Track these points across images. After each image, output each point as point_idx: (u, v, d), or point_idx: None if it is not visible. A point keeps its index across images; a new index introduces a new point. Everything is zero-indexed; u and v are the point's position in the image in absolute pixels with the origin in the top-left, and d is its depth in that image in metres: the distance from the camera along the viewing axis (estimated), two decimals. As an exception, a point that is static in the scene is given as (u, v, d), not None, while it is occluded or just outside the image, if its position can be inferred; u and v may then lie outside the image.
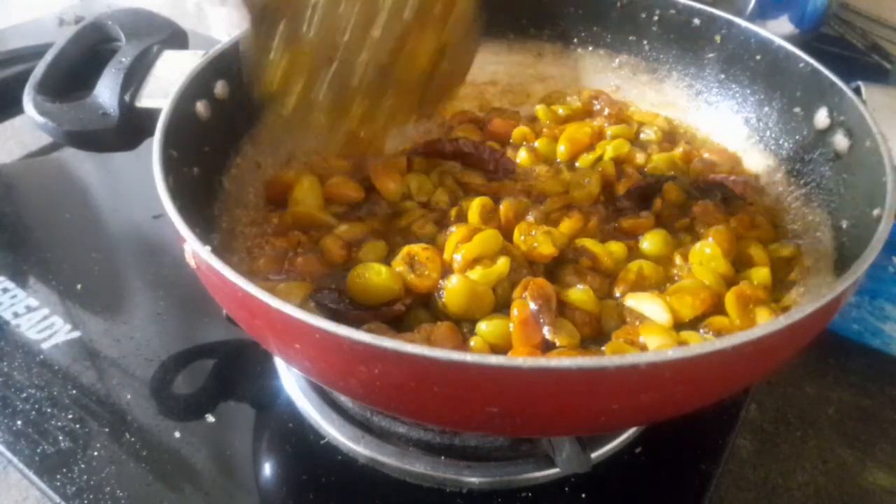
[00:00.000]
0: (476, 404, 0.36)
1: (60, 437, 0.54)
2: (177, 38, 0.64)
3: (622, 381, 0.34)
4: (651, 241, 0.56)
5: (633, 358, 0.32)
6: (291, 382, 0.58)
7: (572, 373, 0.32)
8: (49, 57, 0.61)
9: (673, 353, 0.33)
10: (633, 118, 0.71)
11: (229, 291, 0.38)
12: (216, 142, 0.57)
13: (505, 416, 0.36)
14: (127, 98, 0.57)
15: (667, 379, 0.34)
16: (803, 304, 0.37)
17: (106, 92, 0.57)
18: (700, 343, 0.33)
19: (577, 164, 0.66)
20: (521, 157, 0.66)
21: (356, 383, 0.38)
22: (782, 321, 0.35)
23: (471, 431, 0.51)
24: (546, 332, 0.46)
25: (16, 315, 0.65)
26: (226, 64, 0.56)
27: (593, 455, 0.51)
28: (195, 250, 0.40)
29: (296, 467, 0.53)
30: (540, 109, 0.72)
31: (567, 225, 0.55)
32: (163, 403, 0.58)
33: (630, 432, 0.55)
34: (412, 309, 0.50)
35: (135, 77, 0.58)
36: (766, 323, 0.35)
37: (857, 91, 0.55)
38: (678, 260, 0.55)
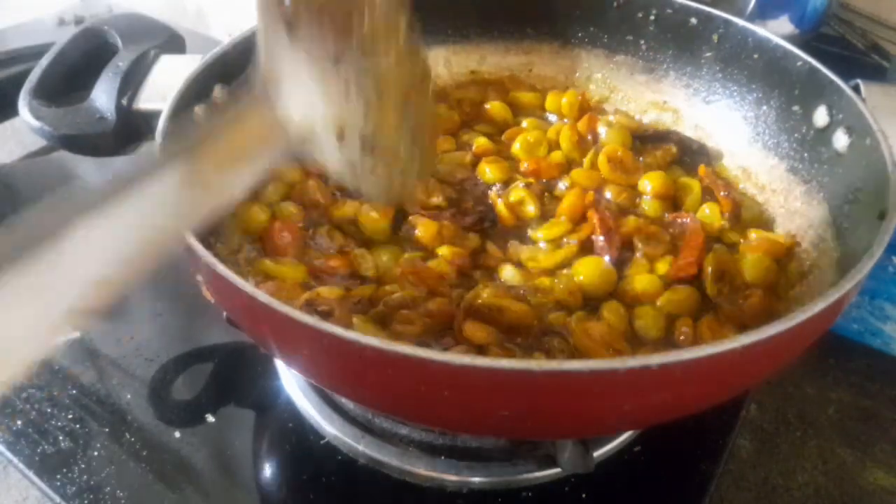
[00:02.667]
0: (487, 408, 0.36)
1: (60, 437, 0.54)
2: (174, 43, 0.64)
3: (634, 383, 0.34)
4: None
5: (644, 359, 0.32)
6: (291, 382, 0.58)
7: (584, 375, 0.33)
8: (45, 62, 0.61)
9: (684, 353, 0.33)
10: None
11: (234, 297, 0.38)
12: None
13: (515, 419, 0.36)
14: (124, 102, 0.57)
15: (678, 378, 0.34)
16: (806, 302, 0.37)
17: (103, 96, 0.57)
18: (710, 343, 0.33)
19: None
20: (516, 148, 0.66)
21: (365, 388, 0.38)
22: (792, 320, 0.35)
23: (480, 435, 0.51)
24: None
25: (16, 315, 0.65)
26: (224, 68, 0.56)
27: (594, 455, 0.51)
28: (200, 256, 0.39)
29: (296, 467, 0.53)
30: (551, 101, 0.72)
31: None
32: (163, 403, 0.58)
33: (631, 432, 0.55)
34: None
35: (132, 81, 0.58)
36: (776, 322, 0.35)
37: (856, 89, 0.55)
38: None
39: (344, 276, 0.53)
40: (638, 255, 0.56)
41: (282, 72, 0.39)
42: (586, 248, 0.56)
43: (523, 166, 0.63)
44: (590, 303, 0.52)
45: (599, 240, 0.55)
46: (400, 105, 0.42)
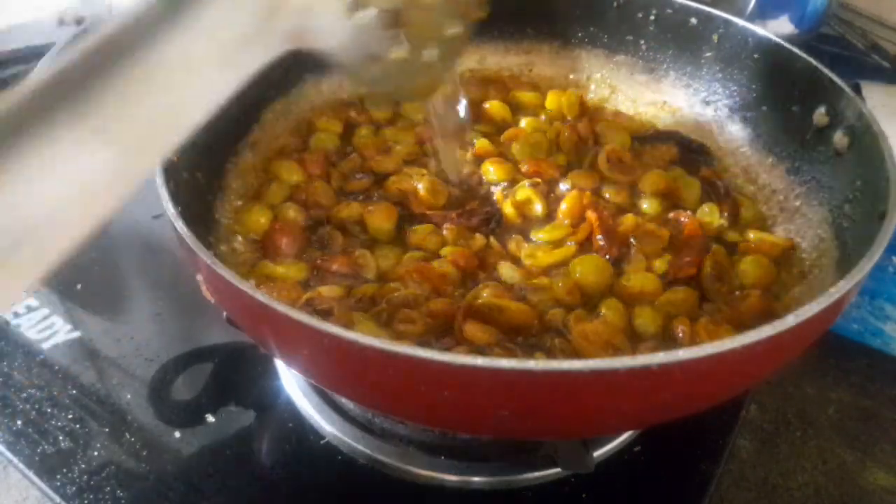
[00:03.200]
0: (487, 408, 0.36)
1: (60, 437, 0.54)
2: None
3: (634, 383, 0.34)
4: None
5: (644, 359, 0.32)
6: (291, 382, 0.58)
7: (584, 375, 0.33)
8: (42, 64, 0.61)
9: (684, 353, 0.33)
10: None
11: (234, 297, 0.38)
12: (216, 146, 0.57)
13: (515, 419, 0.36)
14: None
15: (678, 378, 0.34)
16: (805, 302, 0.36)
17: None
18: (711, 343, 0.33)
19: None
20: (517, 149, 0.66)
21: (365, 388, 0.38)
22: (792, 320, 0.35)
23: (480, 435, 0.51)
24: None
25: (16, 315, 0.65)
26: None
27: (594, 455, 0.51)
28: (200, 256, 0.39)
29: (296, 467, 0.53)
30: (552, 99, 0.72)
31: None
32: (163, 403, 0.58)
33: (631, 432, 0.55)
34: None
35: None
36: (776, 322, 0.35)
37: (856, 89, 0.55)
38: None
39: (345, 276, 0.53)
40: (633, 251, 0.56)
41: None
42: (585, 248, 0.56)
43: (524, 167, 0.64)
44: (590, 300, 0.52)
45: (599, 239, 0.56)
46: None
